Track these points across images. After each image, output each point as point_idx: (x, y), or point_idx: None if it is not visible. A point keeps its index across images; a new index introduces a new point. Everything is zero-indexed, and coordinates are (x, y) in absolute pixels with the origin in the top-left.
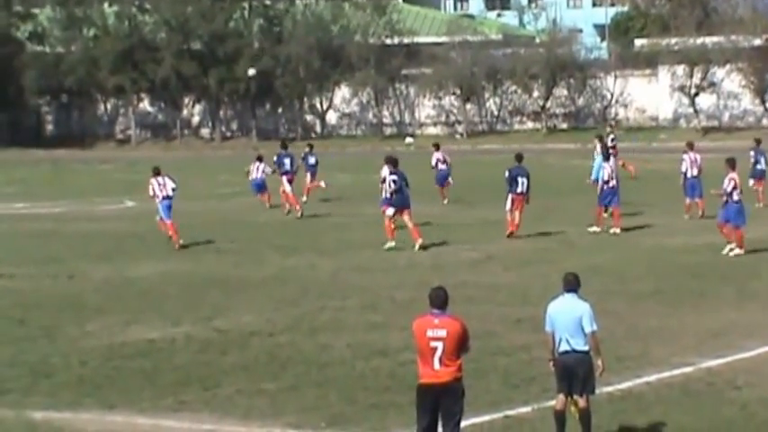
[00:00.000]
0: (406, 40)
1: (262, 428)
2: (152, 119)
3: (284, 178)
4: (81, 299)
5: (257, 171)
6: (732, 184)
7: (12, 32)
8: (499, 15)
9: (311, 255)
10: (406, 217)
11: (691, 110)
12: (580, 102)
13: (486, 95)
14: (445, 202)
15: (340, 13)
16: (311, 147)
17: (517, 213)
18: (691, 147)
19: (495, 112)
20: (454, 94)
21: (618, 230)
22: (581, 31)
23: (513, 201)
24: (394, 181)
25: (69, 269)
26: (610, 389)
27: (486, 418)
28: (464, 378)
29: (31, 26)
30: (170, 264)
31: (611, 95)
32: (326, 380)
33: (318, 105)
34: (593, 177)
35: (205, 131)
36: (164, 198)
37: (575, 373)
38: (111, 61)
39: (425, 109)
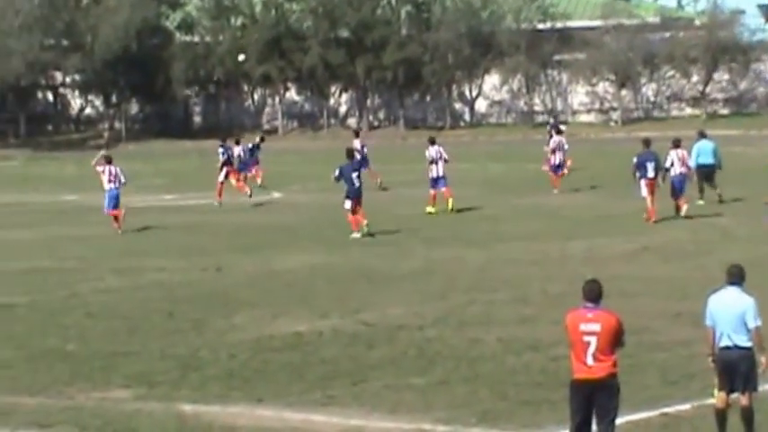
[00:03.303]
0: (558, 25)
1: (411, 424)
2: (299, 108)
3: (225, 169)
4: (229, 292)
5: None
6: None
7: (161, 22)
8: None
9: (459, 247)
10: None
11: None
12: (742, 86)
13: (643, 81)
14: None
15: None
16: (262, 138)
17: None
18: (677, 144)
19: (652, 98)
20: (609, 80)
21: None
22: (743, 12)
23: (647, 186)
24: (339, 174)
25: (217, 262)
26: None
27: (642, 415)
28: (619, 374)
29: (180, 15)
30: (317, 256)
31: None
32: (476, 375)
33: (467, 93)
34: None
35: (352, 121)
36: (116, 188)
37: (736, 370)
38: (259, 50)
39: (578, 96)
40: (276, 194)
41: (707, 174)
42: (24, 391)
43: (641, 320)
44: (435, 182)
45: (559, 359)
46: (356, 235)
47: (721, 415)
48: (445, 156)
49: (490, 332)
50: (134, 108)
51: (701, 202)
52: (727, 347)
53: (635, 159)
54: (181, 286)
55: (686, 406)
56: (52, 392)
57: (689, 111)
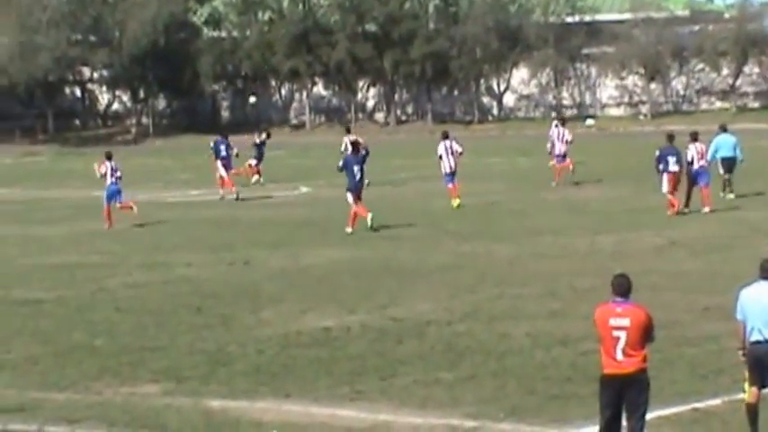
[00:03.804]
0: (587, 18)
1: (439, 419)
2: (326, 103)
3: (219, 163)
4: (257, 287)
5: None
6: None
7: (188, 18)
8: None
9: (488, 241)
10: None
11: None
12: None
13: (672, 74)
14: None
15: None
16: (268, 134)
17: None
18: (695, 138)
19: (681, 92)
20: (638, 73)
21: None
22: None
23: (669, 181)
24: (343, 165)
25: (244, 256)
26: None
27: (672, 410)
28: (649, 369)
29: (207, 10)
30: (345, 251)
31: None
32: (505, 370)
33: (495, 87)
34: None
35: (380, 115)
36: (115, 183)
37: (767, 365)
38: (286, 45)
39: (607, 89)
40: (304, 189)
41: (729, 167)
42: (52, 387)
43: (670, 315)
44: (446, 176)
45: (589, 354)
46: (348, 230)
47: (752, 410)
48: (458, 149)
49: (519, 327)
50: (161, 103)
51: (731, 196)
52: (758, 342)
53: (657, 153)
54: (208, 281)
55: (716, 401)
56: (80, 388)
57: (718, 104)
